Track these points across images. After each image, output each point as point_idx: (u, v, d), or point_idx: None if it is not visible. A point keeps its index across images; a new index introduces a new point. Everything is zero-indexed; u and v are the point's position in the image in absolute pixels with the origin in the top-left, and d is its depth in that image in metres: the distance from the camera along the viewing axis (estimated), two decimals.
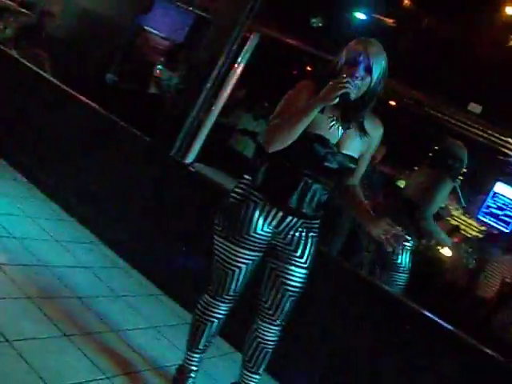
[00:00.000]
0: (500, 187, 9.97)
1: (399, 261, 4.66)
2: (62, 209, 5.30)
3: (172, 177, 4.95)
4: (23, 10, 7.82)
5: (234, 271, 2.99)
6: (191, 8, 9.07)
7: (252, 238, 2.93)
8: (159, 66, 8.11)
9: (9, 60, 6.58)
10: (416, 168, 5.22)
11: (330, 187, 2.96)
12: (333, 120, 2.85)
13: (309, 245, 2.99)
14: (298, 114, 2.73)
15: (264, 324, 3.08)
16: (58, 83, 5.89)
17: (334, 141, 2.85)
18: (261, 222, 2.91)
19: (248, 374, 3.18)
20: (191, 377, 3.20)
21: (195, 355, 3.19)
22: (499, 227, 9.81)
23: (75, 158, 5.45)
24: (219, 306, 3.10)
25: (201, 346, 3.17)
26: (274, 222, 2.93)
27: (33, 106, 5.96)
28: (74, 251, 4.60)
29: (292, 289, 3.00)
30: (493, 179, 10.05)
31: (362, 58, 2.75)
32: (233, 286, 3.04)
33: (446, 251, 8.27)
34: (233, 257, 2.96)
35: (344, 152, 2.88)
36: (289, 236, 2.96)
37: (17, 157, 5.86)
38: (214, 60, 4.86)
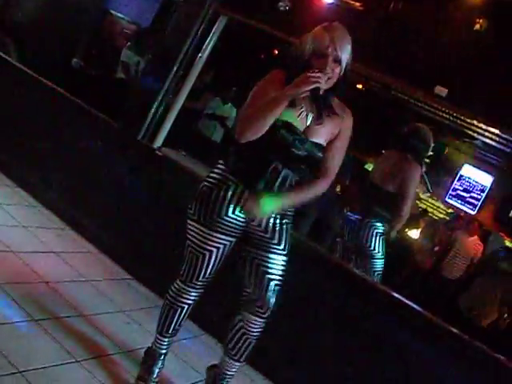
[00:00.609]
0: (466, 170, 10.12)
1: (372, 247, 4.68)
2: (29, 195, 5.25)
3: (139, 161, 4.93)
4: None
5: (204, 255, 2.98)
6: None
7: (223, 221, 2.93)
8: (126, 51, 8.03)
9: None
10: (383, 152, 5.21)
11: (301, 174, 2.96)
12: (302, 108, 2.88)
13: (284, 231, 3.00)
14: (268, 105, 2.76)
15: (252, 317, 3.05)
16: (23, 68, 5.82)
17: (301, 128, 2.88)
18: (232, 205, 2.91)
19: (230, 361, 3.17)
20: (160, 359, 3.21)
21: (165, 339, 3.19)
22: (466, 209, 9.96)
23: (42, 143, 5.39)
24: (190, 292, 3.09)
25: (171, 331, 3.17)
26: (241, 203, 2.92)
27: None
28: (41, 237, 4.57)
29: (275, 277, 2.98)
30: (460, 162, 10.20)
31: (330, 50, 2.77)
32: (203, 272, 3.02)
33: (414, 234, 8.39)
34: (204, 240, 2.95)
35: (313, 140, 2.89)
36: (262, 223, 2.96)
37: None
38: (180, 44, 4.84)
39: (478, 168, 9.89)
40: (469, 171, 10.00)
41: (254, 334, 3.08)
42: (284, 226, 2.99)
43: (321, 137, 2.91)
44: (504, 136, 5.05)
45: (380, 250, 4.70)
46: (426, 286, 7.85)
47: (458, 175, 10.08)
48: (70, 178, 5.15)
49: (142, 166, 4.89)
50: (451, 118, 6.67)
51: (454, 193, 10.11)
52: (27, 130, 5.51)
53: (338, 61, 2.79)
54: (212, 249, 2.97)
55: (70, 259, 4.41)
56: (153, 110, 4.87)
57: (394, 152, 4.94)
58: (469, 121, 5.25)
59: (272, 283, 2.98)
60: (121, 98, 5.52)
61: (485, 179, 9.86)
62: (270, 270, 2.97)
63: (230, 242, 3.01)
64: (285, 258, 3.01)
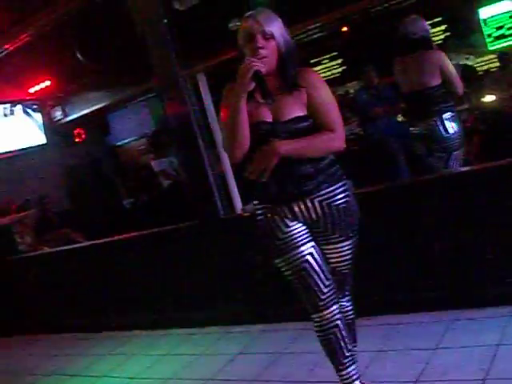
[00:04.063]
0: (484, 12, 9.91)
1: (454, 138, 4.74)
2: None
3: (238, 235, 4.90)
4: (23, 213, 8.11)
5: (303, 271, 2.92)
6: (138, 99, 9.28)
7: (289, 238, 2.91)
8: (155, 161, 8.27)
9: (48, 257, 6.89)
10: (396, 62, 5.07)
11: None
12: (258, 100, 2.84)
13: (333, 216, 2.89)
14: (230, 116, 2.78)
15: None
16: (103, 241, 6.15)
17: (269, 118, 2.83)
18: (282, 223, 2.91)
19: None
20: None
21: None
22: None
23: (152, 287, 5.62)
24: (324, 315, 2.95)
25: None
26: (289, 215, 2.90)
27: (95, 276, 6.12)
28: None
29: (338, 264, 3.01)
30: (473, 11, 10.01)
31: (255, 27, 2.73)
32: (317, 286, 2.92)
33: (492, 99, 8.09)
34: (293, 264, 2.92)
35: (285, 119, 2.81)
36: (313, 219, 2.90)
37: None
38: (186, 121, 4.99)
39: (491, 3, 9.68)
40: (487, 12, 9.79)
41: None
42: (331, 211, 2.88)
43: (294, 111, 2.82)
44: None
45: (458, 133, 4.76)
46: None
47: (481, 22, 9.85)
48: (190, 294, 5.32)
49: (244, 238, 4.75)
50: None
51: (490, 38, 9.88)
52: (137, 288, 5.74)
53: (268, 35, 2.74)
54: (304, 264, 2.91)
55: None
56: (214, 187, 4.97)
57: (406, 58, 4.94)
58: None
59: (335, 270, 3.00)
60: (182, 200, 5.68)
61: (506, 6, 9.60)
62: (332, 260, 2.99)
63: (310, 247, 2.94)
64: (345, 243, 2.96)
